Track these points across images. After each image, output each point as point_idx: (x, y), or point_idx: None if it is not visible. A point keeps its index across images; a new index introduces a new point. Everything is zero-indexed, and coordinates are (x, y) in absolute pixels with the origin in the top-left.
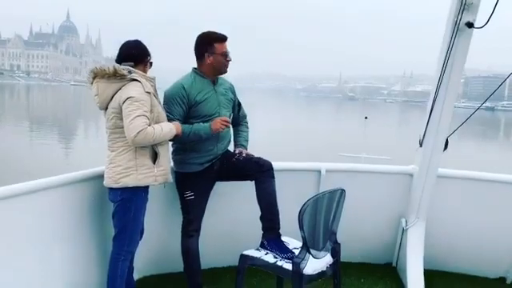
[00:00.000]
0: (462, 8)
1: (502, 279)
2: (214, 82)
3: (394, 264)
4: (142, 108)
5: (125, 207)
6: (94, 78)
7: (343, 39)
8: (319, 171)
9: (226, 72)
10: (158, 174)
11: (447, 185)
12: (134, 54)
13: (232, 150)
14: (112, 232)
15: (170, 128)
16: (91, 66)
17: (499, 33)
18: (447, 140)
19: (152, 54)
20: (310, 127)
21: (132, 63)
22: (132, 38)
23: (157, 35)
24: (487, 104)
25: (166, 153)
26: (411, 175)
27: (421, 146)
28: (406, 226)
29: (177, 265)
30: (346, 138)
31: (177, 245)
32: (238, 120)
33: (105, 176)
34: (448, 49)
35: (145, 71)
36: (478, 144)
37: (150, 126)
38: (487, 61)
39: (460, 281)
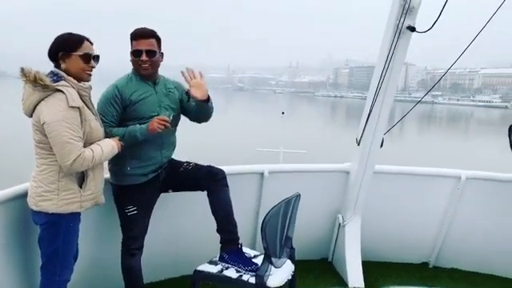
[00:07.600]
0: (405, 12)
1: (425, 264)
2: (155, 83)
3: (329, 259)
4: (71, 128)
5: (52, 231)
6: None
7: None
8: (262, 173)
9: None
10: (84, 200)
11: (380, 180)
12: (56, 52)
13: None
14: (39, 260)
15: (112, 147)
16: None
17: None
18: (383, 138)
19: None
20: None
21: (56, 63)
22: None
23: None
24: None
25: (99, 173)
26: (347, 172)
27: (358, 144)
28: (344, 221)
29: (110, 285)
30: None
31: (110, 263)
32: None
33: (28, 194)
34: (389, 50)
35: (76, 68)
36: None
37: (86, 148)
38: (364, 53)
39: (390, 268)
